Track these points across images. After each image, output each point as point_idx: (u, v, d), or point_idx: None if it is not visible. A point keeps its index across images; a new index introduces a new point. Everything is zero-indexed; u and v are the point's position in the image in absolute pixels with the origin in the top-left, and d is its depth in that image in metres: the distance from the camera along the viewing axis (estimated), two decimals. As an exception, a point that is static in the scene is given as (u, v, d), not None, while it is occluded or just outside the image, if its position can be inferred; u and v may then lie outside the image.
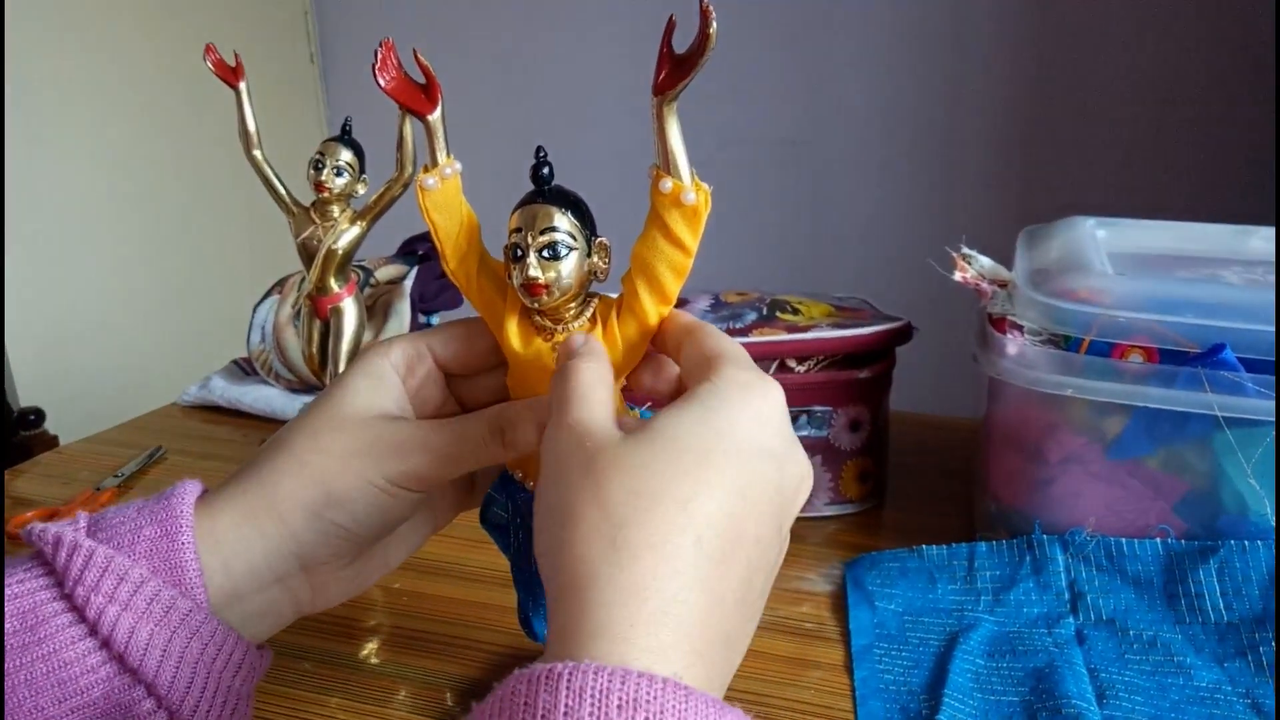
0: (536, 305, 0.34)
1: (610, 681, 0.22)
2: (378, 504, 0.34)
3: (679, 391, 0.32)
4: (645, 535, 0.25)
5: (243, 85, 0.56)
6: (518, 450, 0.34)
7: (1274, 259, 0.59)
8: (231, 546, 0.33)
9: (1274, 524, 0.48)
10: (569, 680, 0.22)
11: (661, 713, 0.22)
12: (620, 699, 0.22)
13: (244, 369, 0.88)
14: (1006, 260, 0.57)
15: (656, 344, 0.35)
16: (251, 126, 0.57)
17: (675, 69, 0.30)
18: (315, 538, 0.34)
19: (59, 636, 0.30)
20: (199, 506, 0.34)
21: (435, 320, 0.83)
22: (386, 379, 0.36)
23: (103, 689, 0.30)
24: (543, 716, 0.22)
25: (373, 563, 0.39)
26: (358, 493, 0.34)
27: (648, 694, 0.22)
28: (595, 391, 0.30)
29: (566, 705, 0.22)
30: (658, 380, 0.36)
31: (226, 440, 0.79)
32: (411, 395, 0.37)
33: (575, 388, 0.30)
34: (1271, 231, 0.61)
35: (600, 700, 0.22)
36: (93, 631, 0.30)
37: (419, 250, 0.84)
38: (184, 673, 0.31)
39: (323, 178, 0.58)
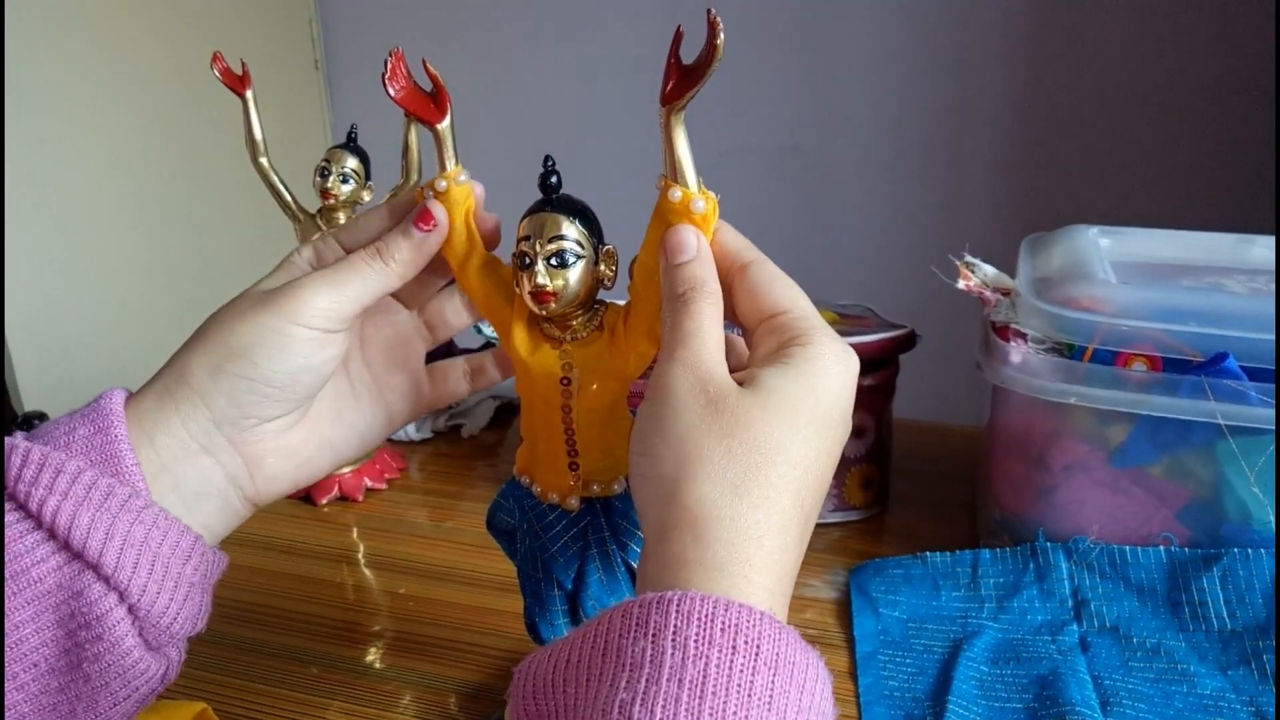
0: (544, 312, 0.34)
1: (715, 608, 0.25)
2: (276, 344, 0.34)
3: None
4: (763, 488, 0.28)
5: (249, 93, 0.56)
6: (396, 262, 0.35)
7: (1274, 268, 0.59)
8: (152, 419, 0.34)
9: (1275, 531, 0.48)
10: (678, 604, 0.25)
11: (759, 639, 0.25)
12: (723, 623, 0.25)
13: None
14: (1010, 268, 0.58)
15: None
16: (258, 134, 0.57)
17: (683, 79, 0.31)
18: (225, 398, 0.34)
19: (8, 531, 0.31)
20: (129, 400, 0.35)
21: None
22: (295, 262, 0.38)
23: (55, 578, 0.31)
24: (653, 634, 0.25)
25: (311, 442, 0.38)
26: (253, 336, 0.34)
27: (748, 621, 0.25)
28: (712, 334, 0.32)
29: (675, 625, 0.25)
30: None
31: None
32: None
33: (697, 326, 0.31)
34: (1273, 240, 0.62)
35: (706, 623, 0.25)
36: (38, 524, 0.32)
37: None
38: (129, 554, 0.32)
39: (329, 185, 0.59)
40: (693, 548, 0.28)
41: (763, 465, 0.29)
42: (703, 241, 0.32)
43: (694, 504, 0.28)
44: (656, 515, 0.29)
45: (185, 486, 0.35)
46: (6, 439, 0.33)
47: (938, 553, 0.54)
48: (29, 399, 1.36)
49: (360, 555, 0.61)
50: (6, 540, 0.31)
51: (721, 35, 0.30)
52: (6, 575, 0.31)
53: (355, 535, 0.63)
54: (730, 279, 0.33)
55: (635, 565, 0.37)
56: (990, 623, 0.50)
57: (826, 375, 0.31)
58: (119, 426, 0.33)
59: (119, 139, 1.58)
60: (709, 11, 0.30)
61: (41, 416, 1.23)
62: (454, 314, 0.41)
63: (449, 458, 0.74)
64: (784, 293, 0.33)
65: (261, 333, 0.34)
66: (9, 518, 0.32)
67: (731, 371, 0.36)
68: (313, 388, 0.36)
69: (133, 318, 1.60)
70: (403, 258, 0.36)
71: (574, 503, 0.36)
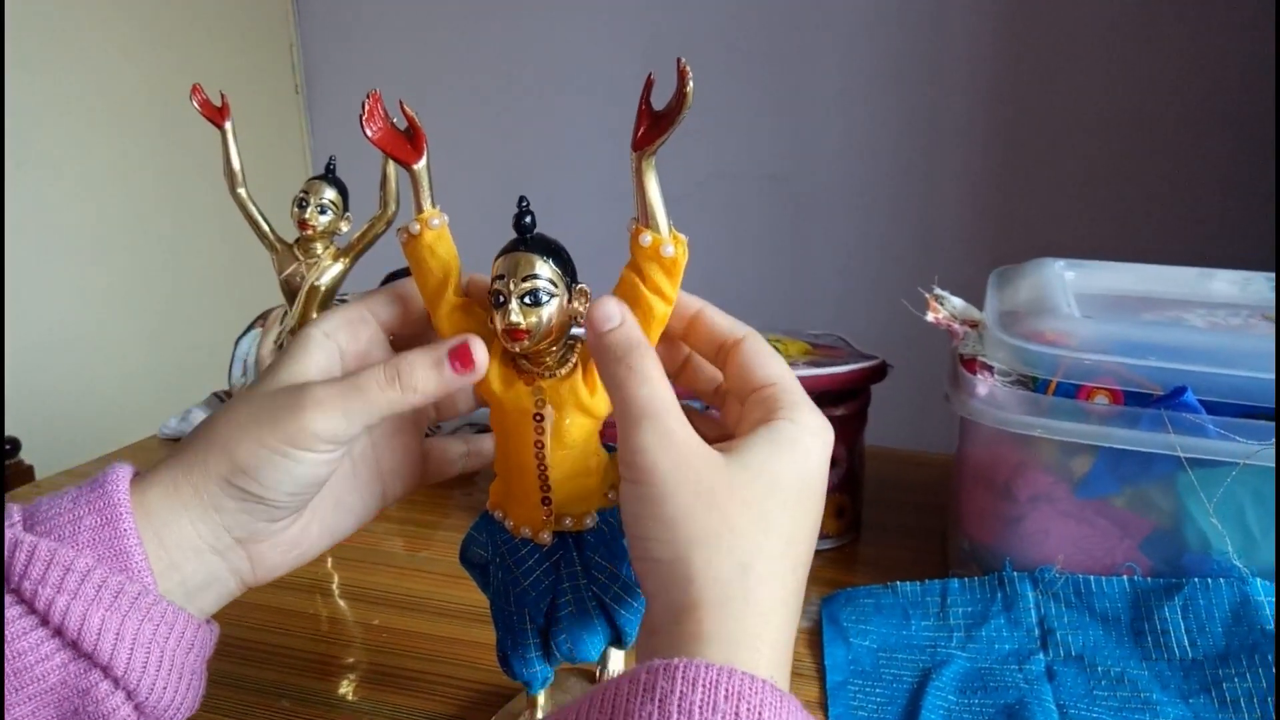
0: (518, 349, 0.34)
1: (719, 676, 0.26)
2: (281, 468, 0.34)
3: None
4: (768, 563, 0.30)
5: (228, 125, 0.56)
6: (416, 393, 0.34)
7: (1240, 299, 0.60)
8: (161, 517, 0.34)
9: (1276, 549, 0.49)
10: (684, 671, 0.26)
11: (761, 705, 0.26)
12: (727, 690, 0.26)
13: (225, 402, 0.88)
14: (980, 299, 0.59)
15: (692, 338, 0.37)
16: (236, 165, 0.58)
17: (653, 126, 0.31)
18: (234, 505, 0.34)
19: (10, 628, 0.31)
20: (132, 484, 0.34)
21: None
22: (313, 346, 0.36)
23: (59, 674, 0.31)
24: (660, 699, 0.26)
25: (311, 531, 0.38)
26: (257, 458, 0.33)
27: (750, 689, 0.26)
28: (668, 395, 0.32)
29: (681, 691, 0.26)
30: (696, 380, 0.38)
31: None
32: (357, 359, 0.38)
33: (652, 391, 0.31)
34: (1233, 274, 0.63)
35: (710, 689, 0.26)
36: (44, 622, 0.31)
37: (401, 284, 0.84)
38: (138, 654, 0.32)
39: (306, 215, 0.59)
40: (708, 625, 0.29)
41: (764, 543, 0.30)
42: (625, 309, 0.33)
43: (709, 585, 0.29)
44: (667, 598, 0.30)
45: (191, 581, 0.35)
46: (9, 530, 0.32)
47: (908, 582, 0.55)
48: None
49: (334, 585, 0.61)
50: (11, 636, 0.31)
51: (691, 84, 0.30)
52: (10, 672, 0.31)
53: (330, 565, 0.63)
54: (725, 354, 0.35)
55: (607, 599, 0.37)
56: (959, 652, 0.51)
57: (809, 451, 0.32)
58: (127, 520, 0.33)
59: (97, 163, 1.57)
60: (679, 60, 0.31)
61: (13, 441, 1.22)
62: (464, 398, 0.41)
63: (425, 488, 0.73)
64: (773, 367, 0.34)
65: (264, 455, 0.34)
66: (13, 612, 0.31)
67: (703, 393, 0.37)
68: (318, 490, 0.36)
69: (108, 342, 1.58)
70: (425, 389, 0.34)
71: (546, 537, 0.37)
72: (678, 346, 0.38)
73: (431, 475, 0.42)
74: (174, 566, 0.34)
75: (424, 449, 0.42)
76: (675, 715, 0.25)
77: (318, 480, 0.35)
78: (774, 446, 0.32)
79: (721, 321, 0.36)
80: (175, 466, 0.35)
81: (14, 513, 0.33)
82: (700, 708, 0.25)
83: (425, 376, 0.34)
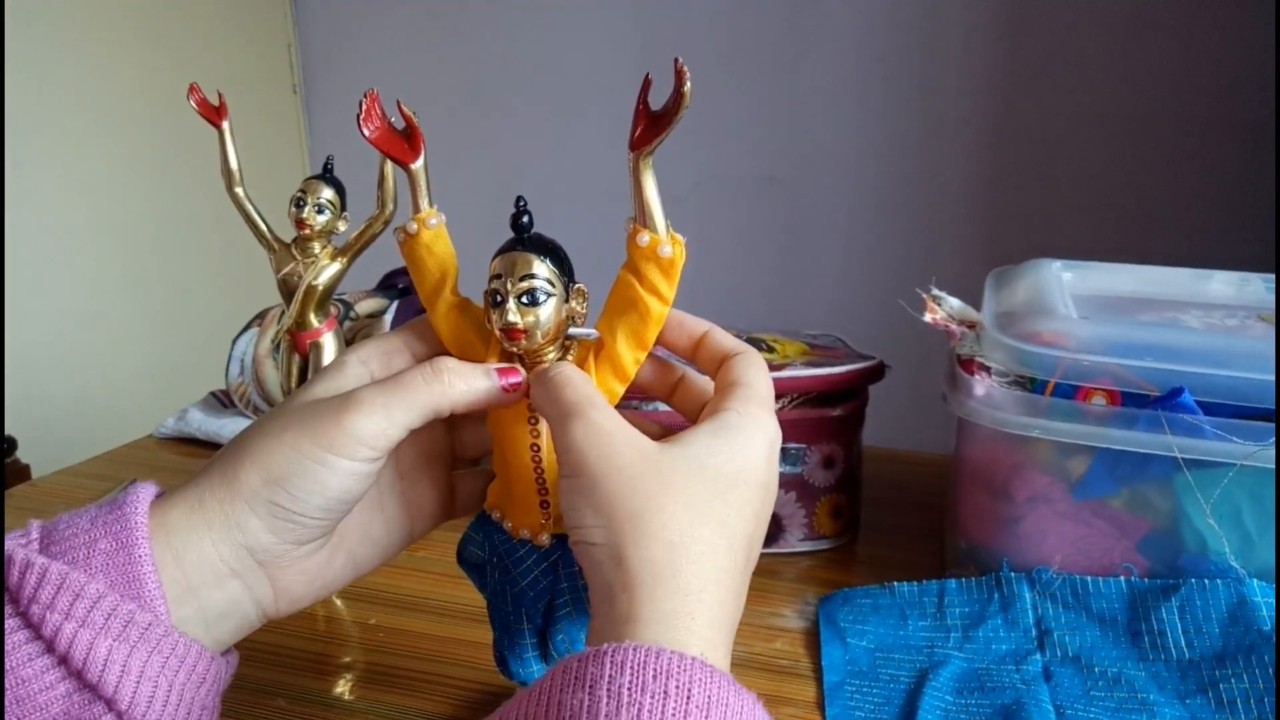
0: (516, 349, 0.34)
1: (647, 656, 0.26)
2: (315, 477, 0.33)
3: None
4: (699, 547, 0.30)
5: (226, 124, 0.56)
6: (459, 390, 0.34)
7: (1237, 300, 0.60)
8: (182, 537, 0.33)
9: (1276, 553, 0.49)
10: (612, 655, 0.27)
11: (690, 683, 0.26)
12: (655, 670, 0.26)
13: (222, 401, 0.88)
14: (978, 299, 0.59)
15: (698, 354, 0.38)
16: (234, 164, 0.58)
17: (651, 125, 0.31)
18: (260, 524, 0.33)
19: (15, 654, 0.30)
20: (154, 504, 0.33)
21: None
22: (348, 370, 0.36)
23: (62, 705, 0.30)
24: (589, 685, 0.26)
25: (336, 561, 0.37)
26: (290, 466, 0.33)
27: (679, 667, 0.26)
28: (596, 394, 0.33)
29: (610, 675, 0.26)
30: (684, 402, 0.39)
31: (202, 472, 0.79)
32: None
33: (582, 390, 0.33)
34: (1230, 276, 0.63)
35: (638, 671, 0.26)
36: (49, 649, 0.30)
37: (399, 284, 0.84)
38: (145, 688, 0.31)
39: (304, 215, 0.59)
40: (638, 606, 0.29)
41: (696, 525, 0.30)
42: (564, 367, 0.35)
43: (639, 566, 0.29)
44: (601, 579, 0.30)
45: (210, 609, 0.33)
46: (21, 548, 0.31)
47: (905, 582, 0.55)
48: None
49: (331, 585, 0.61)
50: (16, 663, 0.30)
51: (689, 83, 0.31)
52: (11, 699, 0.30)
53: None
54: (719, 365, 0.37)
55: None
56: (956, 652, 0.51)
57: (750, 441, 0.33)
58: (143, 545, 0.32)
59: (94, 162, 1.57)
60: (676, 60, 0.31)
61: (9, 441, 1.22)
62: (488, 438, 0.40)
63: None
64: (750, 372, 0.35)
65: (299, 462, 0.33)
66: (19, 637, 0.30)
67: (692, 414, 0.38)
68: (347, 511, 0.35)
69: (105, 342, 1.58)
70: (470, 388, 0.34)
71: (545, 539, 0.37)
72: (670, 367, 0.39)
73: (459, 510, 0.42)
74: (192, 592, 0.33)
75: (452, 483, 0.41)
76: (605, 700, 0.26)
77: (349, 496, 0.34)
78: (713, 434, 0.33)
79: (726, 341, 0.37)
80: (203, 481, 0.34)
81: (33, 529, 0.32)
82: (629, 689, 0.26)
83: (472, 377, 0.34)
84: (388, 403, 0.33)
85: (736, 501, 0.32)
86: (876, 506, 0.69)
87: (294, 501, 0.33)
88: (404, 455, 0.39)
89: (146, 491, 0.34)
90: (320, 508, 0.34)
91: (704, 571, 0.30)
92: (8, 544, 0.32)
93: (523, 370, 0.35)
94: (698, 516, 0.30)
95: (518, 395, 0.35)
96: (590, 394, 0.33)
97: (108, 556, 0.31)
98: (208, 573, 0.33)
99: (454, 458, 0.42)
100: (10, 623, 0.30)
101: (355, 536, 0.38)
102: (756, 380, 0.35)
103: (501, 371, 0.35)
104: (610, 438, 0.31)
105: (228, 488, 0.33)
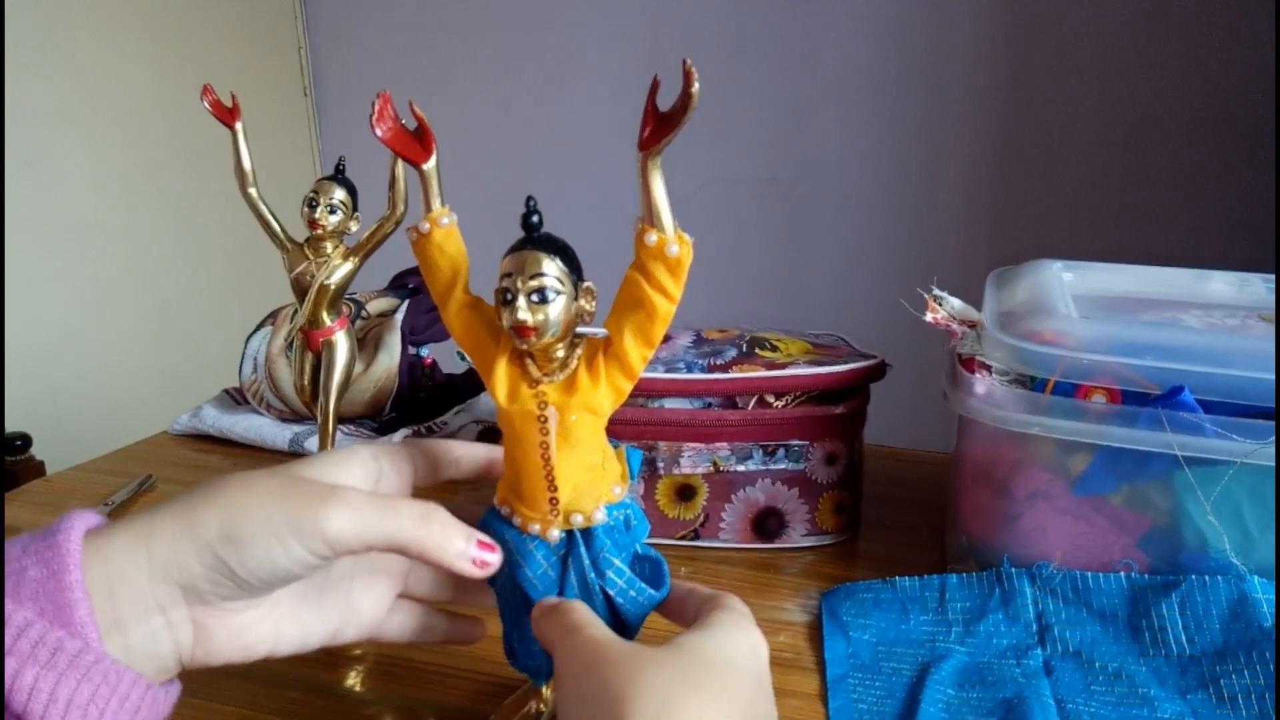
0: (525, 347, 0.35)
1: None
2: (271, 552, 0.33)
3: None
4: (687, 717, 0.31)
5: (239, 125, 0.57)
6: (440, 547, 0.35)
7: (1237, 300, 0.61)
8: (119, 567, 0.32)
9: (1276, 550, 0.50)
10: None
11: None
12: None
13: (235, 399, 0.89)
14: (979, 299, 0.60)
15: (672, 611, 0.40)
16: (247, 165, 0.58)
17: (660, 125, 0.32)
18: (201, 570, 0.33)
19: None
20: (93, 535, 0.33)
21: (425, 352, 0.84)
22: (356, 460, 0.37)
23: None
24: None
25: (262, 627, 0.37)
26: (254, 531, 0.33)
27: None
28: (595, 617, 0.36)
29: None
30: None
31: (217, 469, 0.80)
32: (390, 491, 0.39)
33: (582, 614, 0.36)
34: (1230, 275, 0.64)
35: None
36: None
37: (410, 284, 0.85)
38: (73, 717, 0.30)
39: (316, 215, 0.60)
40: None
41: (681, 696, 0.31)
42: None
43: None
44: None
45: (134, 646, 0.33)
46: None
47: (907, 577, 0.56)
48: (11, 418, 1.35)
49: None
50: None
51: (697, 84, 0.31)
52: None
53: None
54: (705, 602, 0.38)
55: (613, 594, 0.38)
56: (957, 646, 0.52)
57: (732, 639, 0.35)
58: (74, 573, 0.31)
59: (109, 161, 1.59)
60: (684, 62, 0.31)
61: (24, 437, 1.23)
62: (467, 465, 0.44)
63: (432, 491, 0.74)
64: (734, 600, 0.37)
65: (261, 533, 0.33)
66: None
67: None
68: (283, 586, 0.35)
69: (120, 339, 1.60)
70: (451, 549, 0.35)
71: (555, 534, 0.38)
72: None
73: (390, 634, 0.42)
74: (119, 626, 0.32)
75: (392, 606, 0.42)
76: None
77: (290, 577, 0.35)
78: (700, 634, 0.35)
79: (706, 590, 0.39)
80: (158, 515, 0.33)
81: None
82: None
83: (457, 539, 0.36)
84: (368, 517, 0.34)
85: (728, 696, 0.32)
86: (878, 503, 0.69)
87: (239, 564, 0.33)
88: (363, 561, 0.40)
89: (83, 520, 0.33)
90: (261, 579, 0.34)
91: None
92: None
93: (500, 554, 0.37)
94: (684, 712, 0.31)
95: (484, 574, 0.37)
96: (582, 612, 0.36)
97: (37, 584, 0.31)
98: (139, 607, 0.32)
99: (404, 582, 0.43)
100: None
101: (286, 613, 0.38)
102: (739, 605, 0.37)
103: (481, 545, 0.36)
104: (599, 645, 0.34)
105: (183, 525, 0.33)
